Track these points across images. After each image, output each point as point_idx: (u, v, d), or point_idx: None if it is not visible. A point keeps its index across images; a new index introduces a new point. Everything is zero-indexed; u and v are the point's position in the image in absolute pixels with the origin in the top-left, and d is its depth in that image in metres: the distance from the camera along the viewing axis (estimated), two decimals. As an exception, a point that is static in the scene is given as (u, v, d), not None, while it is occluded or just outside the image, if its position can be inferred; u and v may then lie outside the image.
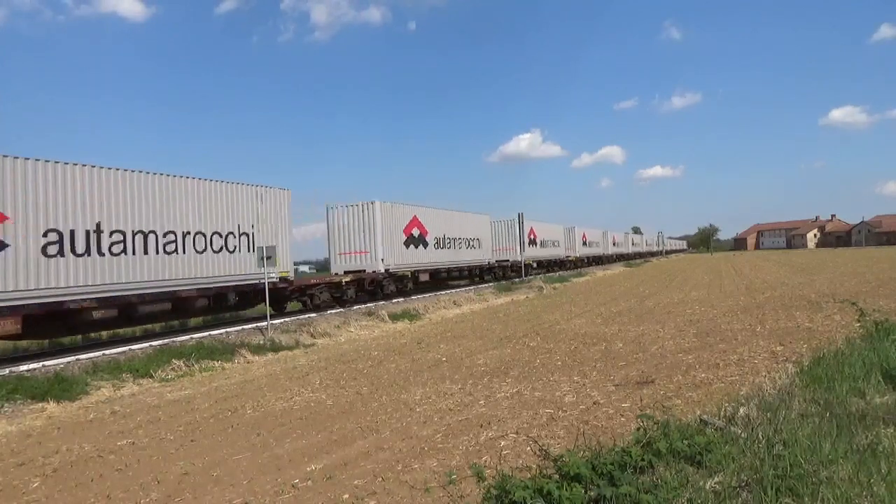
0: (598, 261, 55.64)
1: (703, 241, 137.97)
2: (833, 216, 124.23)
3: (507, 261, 32.41)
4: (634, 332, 11.99)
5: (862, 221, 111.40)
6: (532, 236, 35.86)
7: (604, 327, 13.03)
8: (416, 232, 22.74)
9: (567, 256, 44.09)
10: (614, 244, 64.25)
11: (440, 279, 25.51)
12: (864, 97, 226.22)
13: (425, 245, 23.14)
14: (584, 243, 50.30)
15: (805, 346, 8.87)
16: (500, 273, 31.21)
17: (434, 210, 24.35)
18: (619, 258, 66.21)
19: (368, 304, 19.17)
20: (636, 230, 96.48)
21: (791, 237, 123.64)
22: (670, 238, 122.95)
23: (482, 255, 28.98)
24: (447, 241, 25.23)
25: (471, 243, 27.56)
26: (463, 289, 25.79)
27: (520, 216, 33.11)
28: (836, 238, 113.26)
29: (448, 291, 24.41)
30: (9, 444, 6.52)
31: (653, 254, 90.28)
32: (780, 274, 29.43)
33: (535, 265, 36.30)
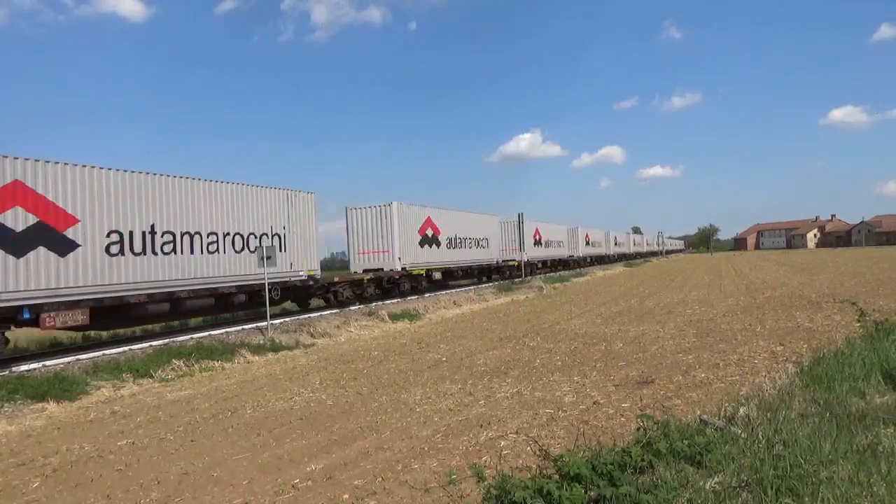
0: (564, 265, 43.13)
1: (703, 240, 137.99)
2: (833, 216, 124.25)
3: (379, 270, 20.86)
4: (634, 332, 11.99)
5: (862, 221, 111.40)
6: (430, 232, 23.67)
7: (604, 327, 13.03)
8: (14, 221, 10.12)
9: (506, 261, 31.76)
10: (588, 243, 50.72)
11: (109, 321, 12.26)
12: (864, 97, 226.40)
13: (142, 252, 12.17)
14: (539, 243, 37.59)
15: (805, 346, 8.87)
16: (316, 293, 18.32)
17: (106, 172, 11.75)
18: (599, 261, 53.97)
19: (370, 304, 18.96)
20: (636, 230, 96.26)
21: (791, 237, 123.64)
22: (670, 238, 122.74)
23: (244, 268, 14.81)
24: (110, 239, 11.73)
25: (243, 243, 14.87)
26: (463, 289, 25.69)
27: (520, 216, 32.39)
28: (836, 238, 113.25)
29: (448, 292, 24.10)
30: (9, 444, 6.52)
31: (641, 254, 78.86)
32: (780, 274, 29.43)
33: (438, 275, 24.10)
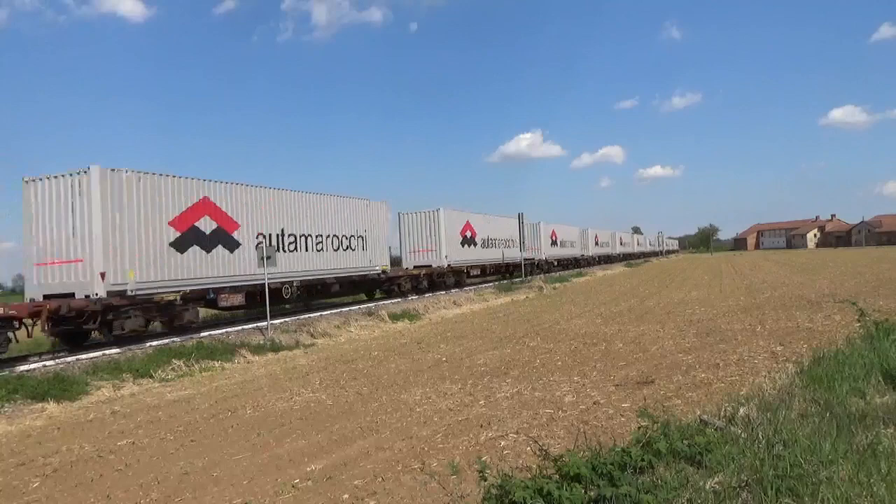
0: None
1: (703, 240, 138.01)
2: (833, 216, 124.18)
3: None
4: (634, 332, 11.99)
5: (862, 221, 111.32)
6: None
7: (604, 327, 13.03)
8: None
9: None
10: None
11: None
12: (864, 97, 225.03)
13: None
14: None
15: (805, 346, 8.87)
16: None
17: None
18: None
19: (369, 304, 19.10)
20: (636, 230, 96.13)
21: (791, 237, 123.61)
22: (669, 238, 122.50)
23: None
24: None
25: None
26: (463, 289, 25.69)
27: (520, 217, 32.43)
28: (836, 238, 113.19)
29: (448, 291, 24.22)
30: (9, 444, 6.52)
31: (643, 254, 77.48)
32: (780, 274, 29.43)
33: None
